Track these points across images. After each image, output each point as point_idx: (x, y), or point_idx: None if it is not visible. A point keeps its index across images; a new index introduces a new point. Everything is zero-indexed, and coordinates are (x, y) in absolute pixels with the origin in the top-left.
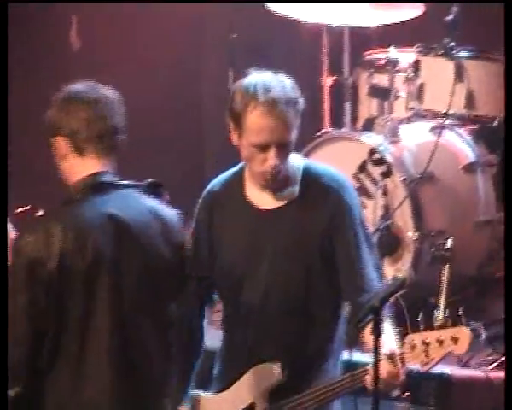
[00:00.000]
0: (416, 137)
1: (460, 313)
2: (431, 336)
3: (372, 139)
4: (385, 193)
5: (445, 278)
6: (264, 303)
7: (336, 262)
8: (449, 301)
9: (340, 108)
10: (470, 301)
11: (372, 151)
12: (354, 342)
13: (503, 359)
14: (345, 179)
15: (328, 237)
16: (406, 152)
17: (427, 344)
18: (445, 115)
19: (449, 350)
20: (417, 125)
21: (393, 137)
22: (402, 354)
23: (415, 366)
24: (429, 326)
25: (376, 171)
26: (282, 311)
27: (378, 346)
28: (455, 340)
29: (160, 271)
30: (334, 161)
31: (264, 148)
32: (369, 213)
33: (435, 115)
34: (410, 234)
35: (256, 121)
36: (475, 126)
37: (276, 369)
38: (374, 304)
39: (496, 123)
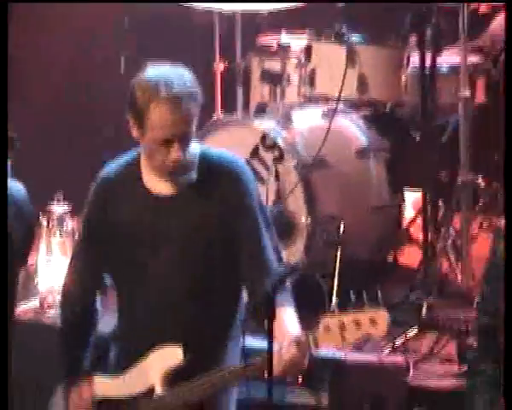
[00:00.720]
0: (308, 122)
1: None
2: (347, 318)
3: (264, 124)
4: (277, 178)
5: (337, 262)
6: (165, 288)
7: (235, 246)
8: (341, 285)
9: (232, 94)
10: (363, 285)
11: (264, 136)
12: (254, 327)
13: (398, 343)
14: (242, 163)
15: (226, 222)
16: (298, 137)
17: (343, 327)
18: (337, 100)
19: (366, 332)
20: (309, 111)
21: (286, 122)
22: (315, 337)
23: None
24: (344, 309)
25: (269, 156)
26: (183, 296)
27: (272, 331)
28: (373, 322)
29: None
30: (227, 146)
31: (167, 142)
32: (262, 199)
33: (327, 100)
34: (303, 219)
35: (160, 117)
36: (367, 111)
37: (177, 351)
38: (267, 289)
39: (388, 108)
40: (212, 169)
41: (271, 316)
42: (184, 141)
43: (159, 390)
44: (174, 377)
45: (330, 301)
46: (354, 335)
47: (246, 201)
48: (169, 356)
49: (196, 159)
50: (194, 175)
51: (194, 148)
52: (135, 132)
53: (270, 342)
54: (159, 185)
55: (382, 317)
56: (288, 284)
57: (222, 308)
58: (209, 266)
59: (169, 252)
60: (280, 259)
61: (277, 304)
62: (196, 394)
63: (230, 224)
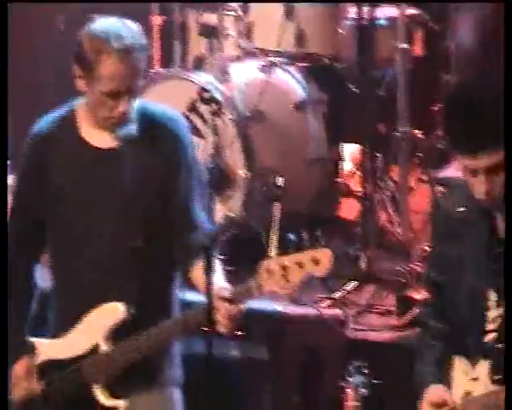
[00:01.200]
0: (246, 75)
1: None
2: (289, 259)
3: (202, 78)
4: (215, 132)
5: (276, 215)
6: (106, 245)
7: (170, 202)
8: (280, 238)
9: (169, 48)
10: (302, 237)
11: (202, 90)
12: (189, 283)
13: (337, 296)
14: (180, 118)
15: (163, 178)
16: (236, 91)
17: (285, 268)
18: (275, 53)
19: (309, 272)
20: (247, 64)
21: (223, 75)
22: (258, 282)
23: (274, 291)
24: (285, 252)
25: (206, 110)
26: (124, 253)
27: (210, 285)
28: (315, 261)
29: None
30: (164, 100)
31: (116, 95)
32: (200, 153)
33: (265, 54)
34: (241, 173)
35: (110, 69)
36: (306, 64)
37: (119, 308)
38: (204, 243)
39: (326, 61)
40: (152, 124)
41: (210, 269)
42: (132, 94)
43: (103, 348)
44: (118, 334)
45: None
46: (297, 275)
47: (182, 158)
48: (111, 313)
49: (136, 112)
50: (134, 129)
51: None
52: (80, 84)
53: (210, 296)
54: (97, 138)
55: (325, 255)
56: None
57: (162, 264)
58: (148, 221)
59: (108, 207)
60: (212, 216)
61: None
62: (141, 349)
63: (167, 180)
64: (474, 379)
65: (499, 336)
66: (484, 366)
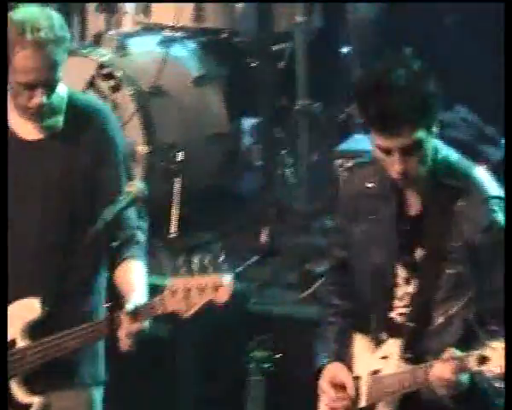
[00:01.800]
0: (144, 51)
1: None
2: (193, 282)
3: (100, 54)
4: (115, 107)
5: (176, 191)
6: (31, 239)
7: (96, 197)
8: (181, 214)
9: (67, 24)
10: (202, 213)
11: (101, 66)
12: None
13: (239, 270)
14: (107, 109)
15: (90, 170)
16: (135, 66)
17: (188, 291)
18: (174, 29)
19: (209, 299)
20: (146, 39)
21: (122, 51)
22: (163, 299)
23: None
24: (191, 271)
25: (105, 86)
26: (45, 247)
27: (121, 298)
28: (216, 288)
29: None
30: (64, 77)
31: (30, 86)
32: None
33: (163, 29)
34: (141, 148)
35: (22, 62)
36: (204, 39)
37: (35, 304)
38: (105, 218)
39: (225, 35)
40: (78, 116)
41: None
42: (48, 86)
43: (20, 343)
44: (35, 331)
45: (170, 231)
46: (198, 300)
47: (110, 151)
48: (27, 309)
49: (64, 103)
50: (60, 120)
51: (62, 92)
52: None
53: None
54: (24, 128)
55: (226, 282)
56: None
57: (86, 260)
58: (73, 216)
59: (34, 200)
60: (140, 215)
61: (128, 256)
62: (58, 347)
63: (93, 173)
64: (384, 358)
65: (411, 315)
66: (393, 345)
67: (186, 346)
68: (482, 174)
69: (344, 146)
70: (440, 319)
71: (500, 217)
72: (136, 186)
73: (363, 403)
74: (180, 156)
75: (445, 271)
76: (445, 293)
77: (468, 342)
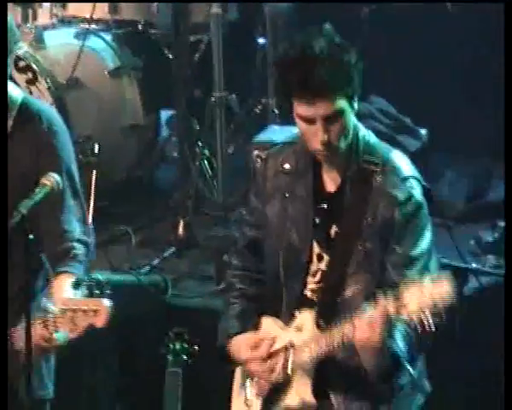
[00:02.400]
0: (61, 43)
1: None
2: (79, 304)
3: (17, 47)
4: None
5: (93, 183)
6: None
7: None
8: (98, 207)
9: None
10: (119, 206)
11: (17, 59)
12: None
13: (155, 263)
14: (54, 114)
15: (33, 178)
16: (51, 59)
17: (75, 311)
18: (90, 21)
19: (90, 321)
20: (62, 32)
21: (38, 44)
22: (54, 319)
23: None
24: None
25: (22, 79)
26: None
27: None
28: (95, 312)
29: None
30: None
31: None
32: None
33: (80, 21)
34: None
35: None
36: (120, 31)
37: None
38: (22, 211)
39: (140, 27)
40: (30, 121)
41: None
42: None
43: None
44: None
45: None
46: (82, 322)
47: (56, 162)
48: None
49: (16, 106)
50: (10, 123)
51: (16, 94)
52: None
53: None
54: None
55: (103, 308)
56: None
57: (21, 267)
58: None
59: None
60: (86, 227)
61: (61, 271)
62: None
63: (35, 177)
64: (297, 329)
65: (325, 287)
66: (306, 315)
67: (103, 338)
68: (399, 157)
69: (260, 137)
70: (349, 292)
71: (417, 193)
72: (52, 178)
73: (279, 378)
74: (96, 149)
75: (356, 246)
76: (355, 268)
77: None
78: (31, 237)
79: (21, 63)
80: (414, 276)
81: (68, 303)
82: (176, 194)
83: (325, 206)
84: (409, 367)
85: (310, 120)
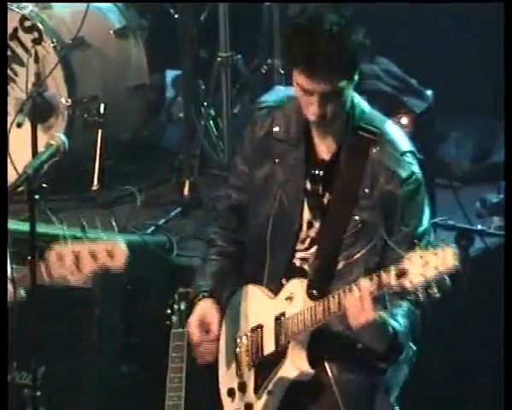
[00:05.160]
0: (66, 3)
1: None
2: (84, 248)
3: (22, 7)
4: (37, 60)
5: (98, 143)
6: None
7: None
8: (103, 167)
9: None
10: (124, 166)
11: (23, 18)
12: None
13: (161, 222)
14: None
15: None
16: (57, 18)
17: (77, 257)
18: None
19: (103, 264)
20: None
21: (44, 3)
22: (48, 265)
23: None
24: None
25: (27, 38)
26: None
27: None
28: (110, 254)
29: None
30: None
31: None
32: (22, 82)
33: None
34: (63, 100)
35: None
36: None
37: None
38: (27, 172)
39: None
40: None
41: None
42: None
43: None
44: None
45: (92, 183)
46: (89, 266)
47: None
48: None
49: None
50: None
51: None
52: None
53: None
54: None
55: (119, 249)
56: None
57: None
58: None
59: None
60: None
61: None
62: None
63: None
64: (288, 299)
65: (317, 255)
66: (297, 284)
67: (108, 298)
68: (394, 128)
69: (266, 97)
70: (342, 263)
71: (416, 169)
72: (57, 138)
73: (271, 349)
74: (102, 108)
75: (351, 216)
76: (350, 238)
77: None
78: (36, 197)
79: (27, 23)
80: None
81: (67, 248)
82: (181, 154)
83: (318, 173)
84: (411, 345)
85: (308, 92)
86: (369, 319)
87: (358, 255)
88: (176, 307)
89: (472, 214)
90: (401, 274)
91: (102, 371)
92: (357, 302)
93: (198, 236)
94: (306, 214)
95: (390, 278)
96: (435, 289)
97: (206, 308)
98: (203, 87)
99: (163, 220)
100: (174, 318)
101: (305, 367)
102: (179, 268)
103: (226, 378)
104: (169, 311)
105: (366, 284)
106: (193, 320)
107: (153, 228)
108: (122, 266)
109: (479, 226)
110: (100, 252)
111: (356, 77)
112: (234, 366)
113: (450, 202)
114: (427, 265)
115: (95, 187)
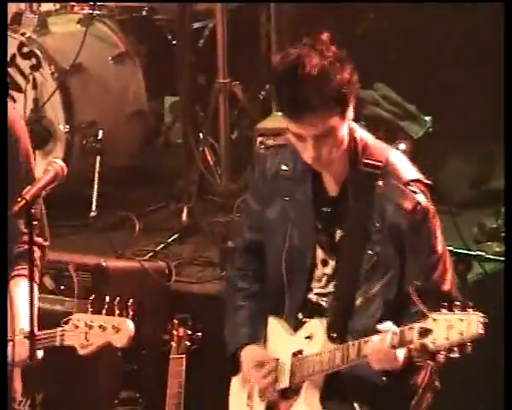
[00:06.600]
0: (64, 28)
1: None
2: (96, 320)
3: (21, 33)
4: (35, 86)
5: (96, 169)
6: None
7: None
8: (101, 193)
9: None
10: (123, 192)
11: (21, 45)
12: None
13: (159, 248)
14: None
15: None
16: (55, 44)
17: (90, 327)
18: (93, 6)
19: (108, 340)
20: (66, 18)
21: (42, 30)
22: (64, 331)
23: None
24: (99, 310)
25: (26, 64)
26: None
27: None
28: (116, 330)
29: None
30: None
31: None
32: (20, 108)
33: (83, 7)
34: (61, 126)
35: None
36: (124, 17)
37: None
38: (25, 198)
39: (144, 12)
40: None
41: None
42: None
43: None
44: None
45: (91, 209)
46: (98, 339)
47: None
48: None
49: None
50: None
51: None
52: None
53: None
54: None
55: (125, 326)
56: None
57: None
58: None
59: None
60: None
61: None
62: None
63: None
64: (307, 337)
65: (335, 294)
66: (318, 324)
67: None
68: (398, 157)
69: (264, 124)
70: (361, 299)
71: (422, 197)
72: (56, 164)
73: (285, 384)
74: (100, 135)
75: (365, 251)
76: (366, 273)
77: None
78: (34, 223)
79: (25, 49)
80: (437, 279)
81: (83, 318)
82: (179, 180)
83: (328, 210)
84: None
85: (300, 137)
86: (393, 367)
87: (376, 289)
88: (174, 332)
89: (470, 240)
90: (425, 333)
91: (101, 398)
92: (378, 352)
93: (196, 261)
94: (320, 252)
95: (413, 335)
96: (456, 354)
97: (251, 350)
98: (201, 113)
99: (161, 246)
100: (173, 344)
101: (317, 408)
102: (177, 294)
103: (235, 406)
104: (167, 337)
105: (388, 339)
106: (246, 368)
107: (151, 254)
108: (126, 344)
109: (477, 252)
110: (108, 326)
111: (349, 113)
112: (245, 396)
113: (448, 228)
114: (452, 329)
115: (93, 213)
